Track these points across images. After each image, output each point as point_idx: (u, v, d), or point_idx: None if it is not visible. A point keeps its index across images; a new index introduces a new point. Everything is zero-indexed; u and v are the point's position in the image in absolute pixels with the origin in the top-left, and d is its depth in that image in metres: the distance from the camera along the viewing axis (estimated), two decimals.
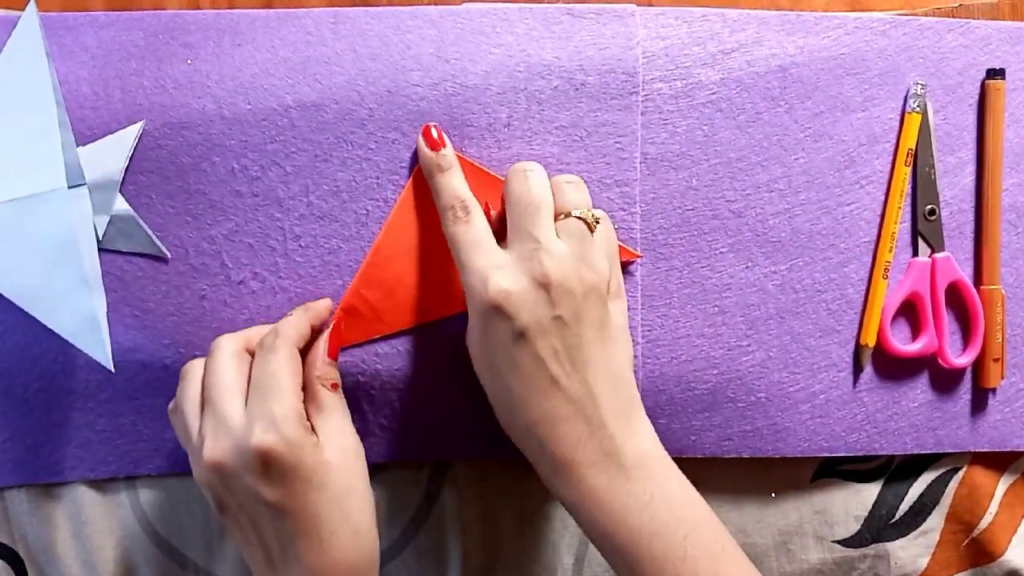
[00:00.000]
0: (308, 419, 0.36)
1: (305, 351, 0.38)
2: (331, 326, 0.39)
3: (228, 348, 0.37)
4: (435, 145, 0.40)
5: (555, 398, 0.35)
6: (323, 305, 0.41)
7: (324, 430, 0.36)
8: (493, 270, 0.35)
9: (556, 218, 0.37)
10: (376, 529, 0.37)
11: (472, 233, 0.37)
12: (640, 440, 0.36)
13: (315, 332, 0.39)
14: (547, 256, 0.35)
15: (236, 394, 0.35)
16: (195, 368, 0.38)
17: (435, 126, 0.41)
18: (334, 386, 0.38)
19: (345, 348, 0.42)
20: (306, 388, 0.37)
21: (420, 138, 0.41)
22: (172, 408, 0.38)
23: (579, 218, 0.37)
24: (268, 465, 0.34)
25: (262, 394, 0.35)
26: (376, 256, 0.42)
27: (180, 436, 0.38)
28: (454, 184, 0.39)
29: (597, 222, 0.38)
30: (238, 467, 0.34)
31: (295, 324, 0.38)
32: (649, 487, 0.35)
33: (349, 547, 0.35)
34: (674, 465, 0.37)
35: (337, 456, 0.36)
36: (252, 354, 0.38)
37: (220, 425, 0.35)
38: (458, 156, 0.41)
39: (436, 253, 0.42)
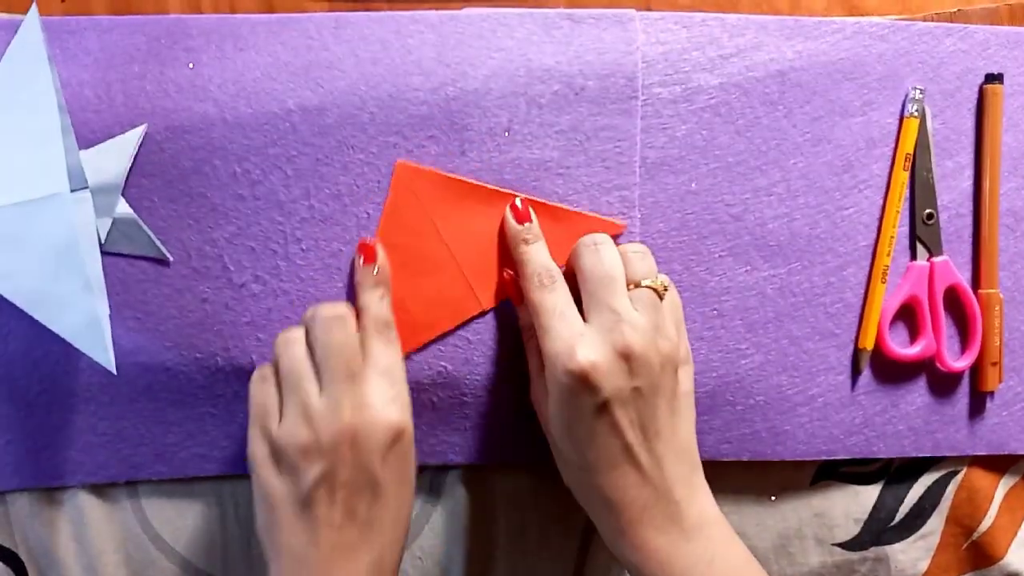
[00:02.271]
0: None
1: None
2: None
3: (348, 323, 0.38)
4: (522, 218, 0.41)
5: (626, 465, 0.37)
6: (382, 259, 0.42)
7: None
8: (578, 339, 0.36)
9: (627, 287, 0.38)
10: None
11: (557, 301, 0.38)
12: (702, 503, 0.38)
13: None
14: (629, 328, 0.36)
15: (372, 372, 0.37)
16: (299, 335, 0.38)
17: (522, 199, 0.42)
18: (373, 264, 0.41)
19: None
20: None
21: (508, 211, 0.42)
22: (263, 376, 0.38)
23: (650, 287, 0.38)
24: (395, 442, 0.36)
25: (391, 378, 0.37)
26: None
27: (278, 401, 0.37)
28: (541, 255, 0.40)
29: (666, 289, 0.39)
30: (371, 437, 0.35)
31: (388, 302, 0.40)
32: (710, 548, 0.37)
33: (399, 536, 0.37)
34: (730, 526, 0.38)
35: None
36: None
37: (359, 397, 0.36)
38: (460, 180, 0.42)
39: (426, 270, 0.42)
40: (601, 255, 0.38)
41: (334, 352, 0.36)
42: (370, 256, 0.40)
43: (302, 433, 0.35)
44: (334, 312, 0.37)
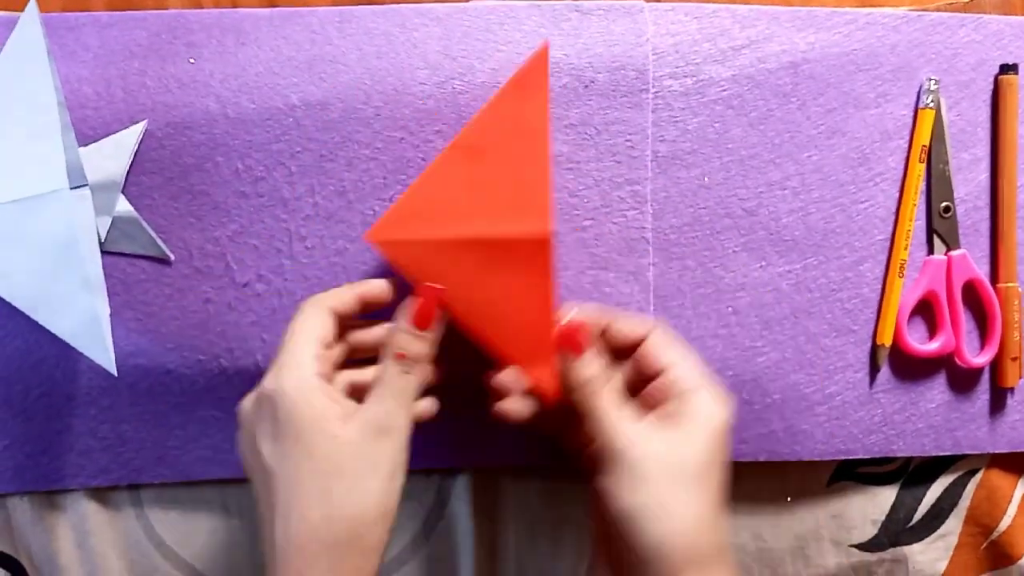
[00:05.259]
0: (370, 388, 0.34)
1: None
2: (424, 290, 0.36)
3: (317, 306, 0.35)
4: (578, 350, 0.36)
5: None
6: (377, 284, 0.37)
7: (365, 403, 0.34)
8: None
9: None
10: (375, 532, 0.32)
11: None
12: None
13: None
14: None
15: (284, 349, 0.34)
16: None
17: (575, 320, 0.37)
18: (399, 355, 0.34)
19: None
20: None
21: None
22: None
23: None
24: (261, 408, 0.33)
25: (279, 348, 0.34)
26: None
27: None
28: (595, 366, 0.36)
29: None
30: (247, 412, 0.34)
31: (336, 292, 0.36)
32: None
33: (319, 535, 0.31)
34: None
35: (351, 432, 0.32)
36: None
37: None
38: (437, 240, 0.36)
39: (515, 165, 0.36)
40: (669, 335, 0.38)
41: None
42: (422, 323, 0.36)
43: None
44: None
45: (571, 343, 0.36)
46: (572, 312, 0.38)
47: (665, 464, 0.33)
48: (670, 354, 0.36)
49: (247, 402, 0.34)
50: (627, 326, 0.38)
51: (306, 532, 0.31)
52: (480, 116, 0.37)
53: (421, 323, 0.35)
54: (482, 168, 0.36)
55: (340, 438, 0.32)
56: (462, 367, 0.42)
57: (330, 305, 0.35)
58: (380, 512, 0.32)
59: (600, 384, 0.35)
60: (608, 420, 0.34)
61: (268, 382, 0.33)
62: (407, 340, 0.35)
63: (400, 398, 0.34)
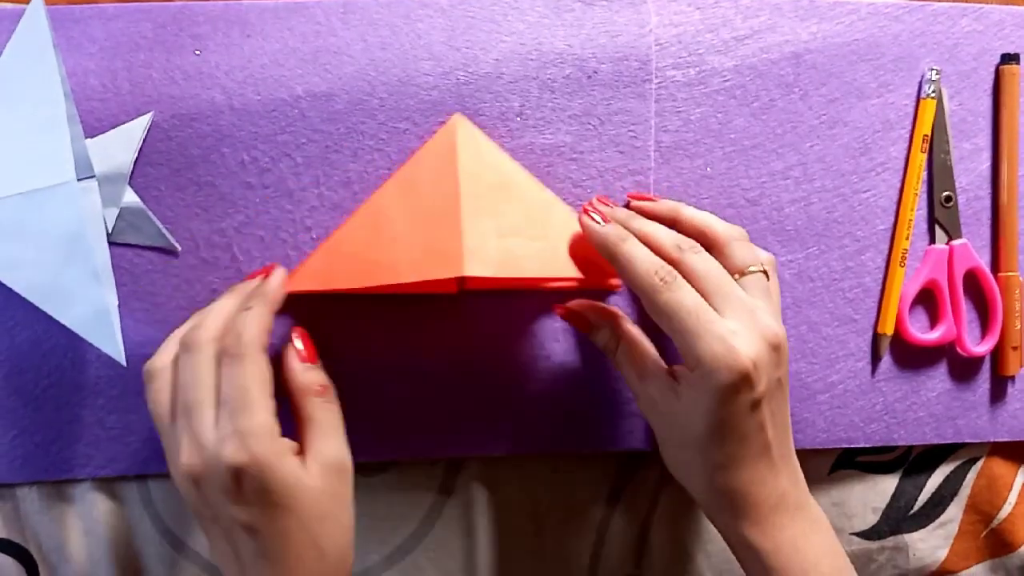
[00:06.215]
0: (299, 431, 0.35)
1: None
2: (296, 328, 0.37)
3: (207, 348, 0.34)
4: (606, 216, 0.38)
5: (764, 460, 0.36)
6: (276, 282, 0.37)
7: (311, 445, 0.34)
8: (733, 336, 0.34)
9: (735, 276, 0.36)
10: (351, 553, 0.35)
11: (686, 298, 0.34)
12: (809, 492, 0.38)
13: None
14: (768, 316, 0.35)
15: (208, 406, 0.33)
16: (162, 371, 0.35)
17: (598, 198, 0.39)
18: (322, 390, 0.36)
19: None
20: (291, 398, 0.36)
21: (585, 217, 0.38)
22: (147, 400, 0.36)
23: (760, 272, 0.37)
24: (240, 484, 0.32)
25: (231, 409, 0.32)
26: (368, 207, 0.40)
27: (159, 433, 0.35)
28: (645, 250, 0.36)
29: (765, 271, 0.37)
30: (212, 481, 0.32)
31: (257, 322, 0.34)
32: (830, 538, 0.38)
33: (313, 571, 0.33)
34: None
35: (317, 479, 0.33)
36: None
37: (194, 438, 0.33)
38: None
39: (428, 216, 0.37)
40: (705, 255, 0.36)
41: (179, 388, 0.34)
42: (255, 274, 0.38)
43: (170, 471, 0.34)
44: (183, 342, 0.35)
45: (578, 320, 0.41)
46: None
47: (679, 435, 0.37)
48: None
49: (196, 470, 0.33)
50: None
51: (303, 573, 0.33)
52: (392, 180, 0.40)
53: (313, 358, 0.37)
54: (393, 225, 0.38)
55: (314, 488, 0.33)
56: (462, 355, 0.42)
57: (263, 343, 0.34)
58: (352, 535, 0.35)
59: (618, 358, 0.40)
60: (634, 389, 0.39)
61: (234, 454, 0.32)
62: (315, 375, 0.36)
63: (338, 430, 0.36)
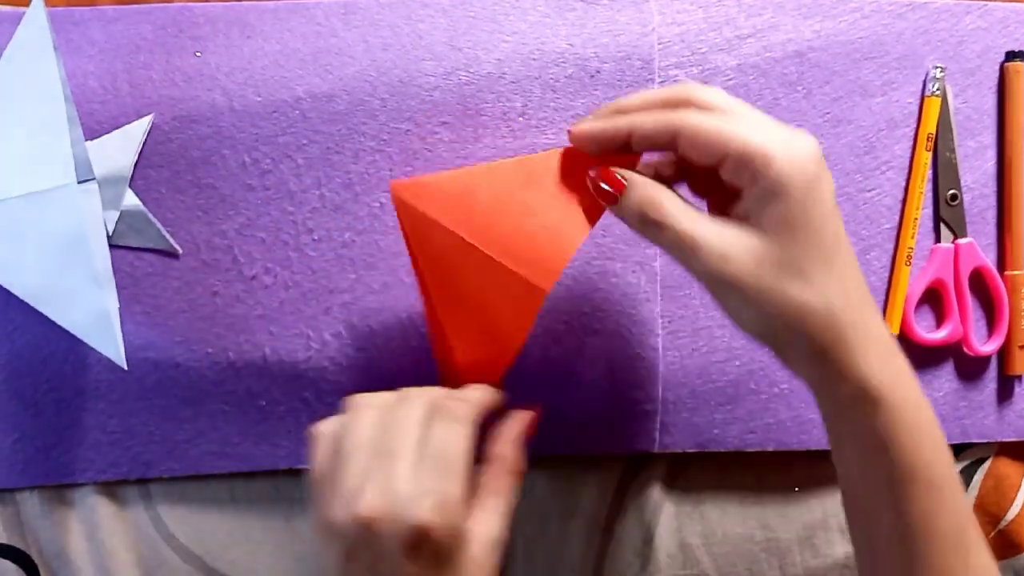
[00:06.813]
0: (476, 494, 0.34)
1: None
2: (539, 405, 0.37)
3: (421, 401, 0.33)
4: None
5: (845, 256, 0.33)
6: (493, 395, 0.37)
7: (485, 518, 0.33)
8: (787, 132, 0.32)
9: None
10: None
11: (734, 102, 0.33)
12: None
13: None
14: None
15: (410, 457, 0.31)
16: (371, 404, 0.34)
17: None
18: (521, 474, 0.35)
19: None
20: (487, 462, 0.35)
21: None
22: (321, 431, 0.34)
23: None
24: (420, 544, 0.30)
25: (440, 469, 0.31)
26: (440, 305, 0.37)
27: (320, 463, 0.33)
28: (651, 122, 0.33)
29: None
30: (392, 531, 0.30)
31: (482, 399, 0.35)
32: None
33: None
34: None
35: (479, 551, 0.32)
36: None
37: (387, 483, 0.30)
38: (454, 173, 0.37)
39: (472, 284, 0.36)
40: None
41: (386, 429, 0.32)
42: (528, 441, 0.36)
43: (330, 507, 0.32)
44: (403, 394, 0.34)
45: (604, 194, 0.34)
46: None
47: (751, 269, 0.32)
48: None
49: (378, 515, 0.30)
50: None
51: None
52: (553, 153, 0.36)
53: (527, 441, 0.36)
54: (529, 198, 0.35)
55: (477, 562, 0.32)
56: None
57: (474, 421, 0.34)
58: None
59: (659, 201, 0.33)
60: (686, 240, 0.32)
61: (430, 512, 0.30)
62: (519, 458, 0.35)
63: (509, 512, 0.34)
